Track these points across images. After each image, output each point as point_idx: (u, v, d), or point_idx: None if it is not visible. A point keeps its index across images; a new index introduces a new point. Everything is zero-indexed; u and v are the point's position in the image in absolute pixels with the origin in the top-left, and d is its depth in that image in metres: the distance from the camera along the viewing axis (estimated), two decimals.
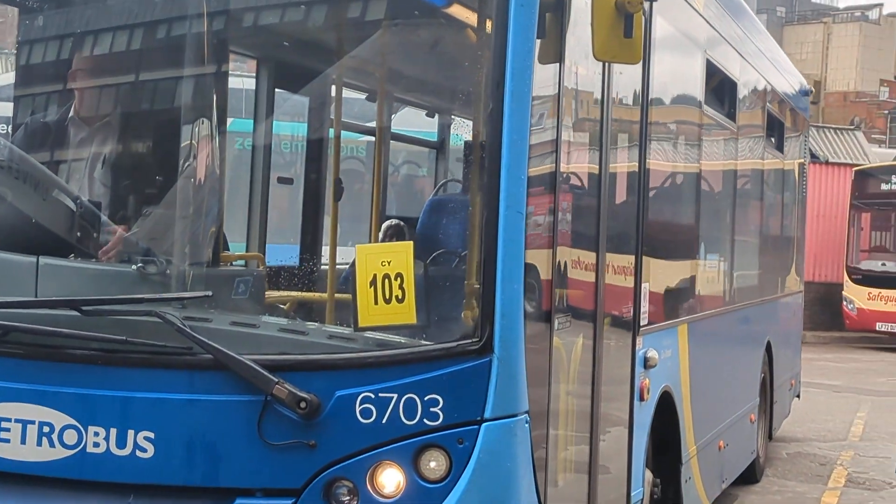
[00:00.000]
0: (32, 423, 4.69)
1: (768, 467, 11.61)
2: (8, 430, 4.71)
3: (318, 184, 6.96)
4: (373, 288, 4.59)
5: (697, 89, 7.71)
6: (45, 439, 4.68)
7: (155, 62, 5.53)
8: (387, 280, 4.59)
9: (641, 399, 6.36)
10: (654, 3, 6.15)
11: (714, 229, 8.71)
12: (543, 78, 4.86)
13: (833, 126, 35.99)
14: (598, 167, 5.60)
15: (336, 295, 5.22)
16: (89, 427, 4.66)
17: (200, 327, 4.63)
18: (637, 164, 6.35)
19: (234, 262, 5.95)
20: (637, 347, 6.31)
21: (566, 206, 5.16)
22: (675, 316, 7.42)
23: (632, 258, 6.30)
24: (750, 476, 10.68)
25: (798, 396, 13.55)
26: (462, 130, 7.84)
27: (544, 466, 4.89)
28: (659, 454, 7.05)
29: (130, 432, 4.63)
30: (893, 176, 25.93)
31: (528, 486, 4.70)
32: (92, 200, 5.29)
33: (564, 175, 5.12)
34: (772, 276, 11.53)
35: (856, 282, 25.65)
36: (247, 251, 6.41)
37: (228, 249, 5.80)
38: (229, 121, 5.69)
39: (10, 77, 5.87)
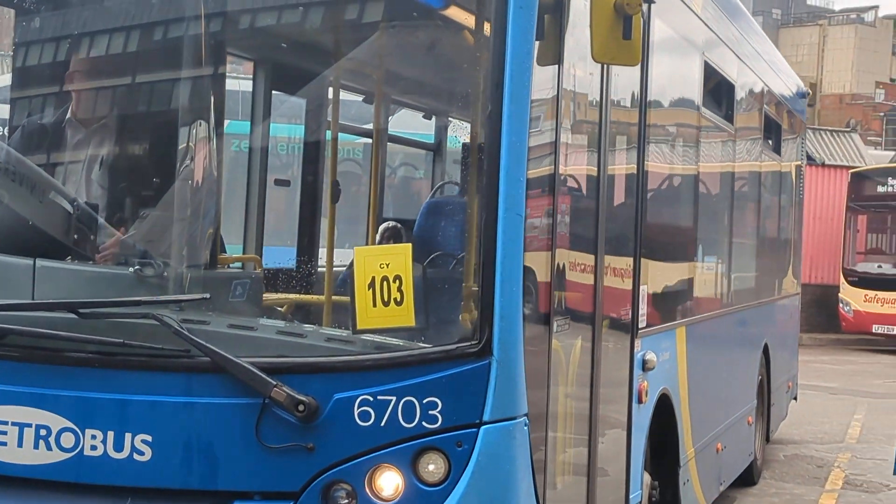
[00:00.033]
0: (29, 425, 4.67)
1: (766, 469, 11.61)
2: (5, 433, 4.68)
3: (315, 186, 6.96)
4: (371, 290, 4.58)
5: (695, 91, 7.70)
6: (42, 442, 4.66)
7: (152, 64, 5.51)
8: (385, 282, 4.57)
9: (640, 401, 6.35)
10: (653, 6, 6.15)
11: (712, 231, 8.70)
12: (542, 80, 4.85)
13: (829, 128, 36.01)
14: (596, 169, 5.59)
15: (333, 297, 5.20)
16: (87, 430, 4.63)
17: (198, 330, 4.61)
18: (635, 167, 6.35)
19: (231, 265, 5.94)
20: (635, 350, 6.30)
21: (565, 208, 5.14)
22: (673, 318, 7.41)
23: (630, 260, 6.29)
24: (747, 478, 10.68)
25: (795, 399, 13.54)
26: (459, 132, 7.82)
27: (543, 469, 4.88)
28: (657, 456, 7.04)
29: (128, 435, 4.61)
30: (889, 178, 25.97)
31: (526, 489, 4.69)
32: (89, 203, 5.27)
33: (563, 177, 5.11)
34: (769, 278, 11.53)
35: (852, 284, 25.67)
36: (244, 253, 6.40)
37: (225, 252, 5.79)
38: (226, 123, 5.68)
39: (6, 79, 5.85)
